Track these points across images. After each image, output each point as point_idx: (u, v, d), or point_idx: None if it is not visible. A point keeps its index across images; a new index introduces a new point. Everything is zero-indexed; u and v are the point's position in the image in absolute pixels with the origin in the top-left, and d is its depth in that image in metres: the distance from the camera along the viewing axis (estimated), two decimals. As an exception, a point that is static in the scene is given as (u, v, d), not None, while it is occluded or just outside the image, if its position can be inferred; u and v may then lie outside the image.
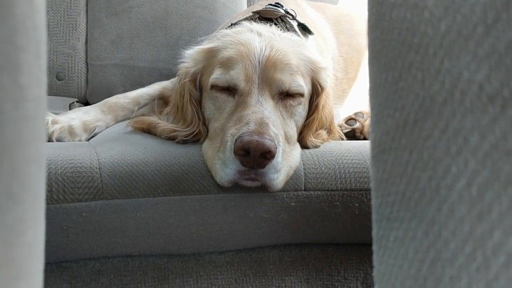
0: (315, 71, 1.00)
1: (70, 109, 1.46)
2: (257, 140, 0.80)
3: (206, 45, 1.04)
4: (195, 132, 0.97)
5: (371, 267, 0.39)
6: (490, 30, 0.26)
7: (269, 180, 0.84)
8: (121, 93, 1.25)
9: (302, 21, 1.17)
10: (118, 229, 0.86)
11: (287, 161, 0.89)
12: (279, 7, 1.17)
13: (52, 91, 1.57)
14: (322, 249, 1.01)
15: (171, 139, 0.98)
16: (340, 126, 1.14)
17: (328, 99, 1.03)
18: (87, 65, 1.62)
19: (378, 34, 0.36)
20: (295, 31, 1.12)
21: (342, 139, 1.09)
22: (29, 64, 0.30)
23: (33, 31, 0.31)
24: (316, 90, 1.01)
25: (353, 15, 1.56)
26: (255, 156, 0.80)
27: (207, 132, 0.97)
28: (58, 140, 1.05)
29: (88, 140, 1.09)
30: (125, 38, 1.60)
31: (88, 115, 1.13)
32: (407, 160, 0.32)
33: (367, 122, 1.16)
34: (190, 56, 1.02)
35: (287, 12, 1.16)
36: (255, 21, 1.10)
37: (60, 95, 1.58)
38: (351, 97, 1.40)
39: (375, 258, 0.37)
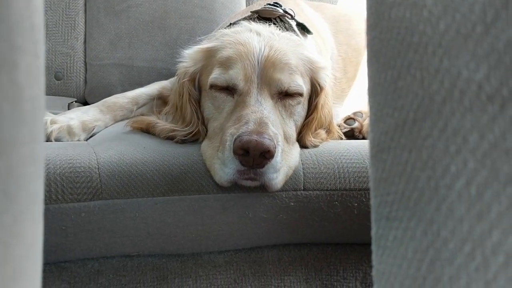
0: (314, 70, 1.00)
1: (68, 109, 1.46)
2: (256, 140, 0.80)
3: (205, 44, 1.04)
4: (194, 132, 0.97)
5: (370, 266, 0.39)
6: (489, 29, 0.26)
7: (268, 179, 0.84)
8: (120, 92, 1.25)
9: (300, 21, 1.17)
10: (117, 229, 0.86)
11: (286, 160, 0.88)
12: (277, 6, 1.17)
13: (51, 91, 1.57)
14: (321, 249, 1.01)
15: (170, 138, 0.98)
16: (339, 126, 1.14)
17: (327, 99, 1.03)
18: (85, 64, 1.62)
19: (377, 34, 0.36)
20: (294, 30, 1.12)
21: (341, 139, 1.09)
22: (27, 64, 0.30)
23: (31, 31, 0.31)
24: (315, 90, 1.01)
25: (351, 14, 1.56)
26: (254, 155, 0.80)
27: (206, 131, 0.97)
28: (57, 140, 1.05)
29: (87, 140, 1.09)
30: (123, 37, 1.60)
31: (87, 115, 1.13)
32: (406, 159, 0.32)
33: (366, 122, 1.16)
34: (189, 55, 1.02)
35: (286, 12, 1.16)
36: (254, 20, 1.10)
37: (59, 95, 1.58)
38: (350, 97, 1.40)
39: (374, 257, 0.37)
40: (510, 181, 0.25)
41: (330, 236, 0.98)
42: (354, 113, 1.20)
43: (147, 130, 1.03)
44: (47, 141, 1.04)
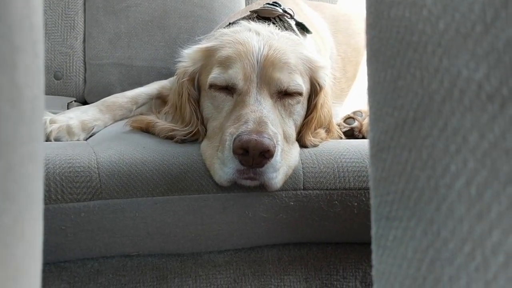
0: (313, 70, 1.00)
1: (68, 108, 1.46)
2: (256, 139, 0.80)
3: (204, 44, 1.04)
4: (194, 132, 0.97)
5: (370, 266, 0.38)
6: (489, 28, 0.26)
7: (268, 179, 0.84)
8: (119, 92, 1.25)
9: (300, 20, 1.17)
10: (117, 229, 0.86)
11: (286, 160, 0.88)
12: (277, 6, 1.17)
13: (50, 91, 1.57)
14: (321, 248, 1.01)
15: (170, 138, 0.98)
16: (339, 125, 1.14)
17: (326, 98, 1.03)
18: (85, 64, 1.61)
19: (376, 33, 0.36)
20: (293, 30, 1.11)
21: (341, 138, 1.09)
22: (26, 64, 0.30)
23: (30, 30, 0.31)
24: (314, 89, 1.01)
25: (351, 14, 1.56)
26: (254, 155, 0.80)
27: (206, 131, 0.97)
28: (56, 139, 1.05)
29: (86, 139, 1.09)
30: (123, 37, 1.60)
31: (86, 114, 1.13)
32: (406, 159, 0.32)
33: (366, 121, 1.16)
34: (188, 55, 1.02)
35: (285, 11, 1.16)
36: (253, 20, 1.10)
37: (58, 95, 1.58)
38: (349, 96, 1.40)
39: (374, 257, 0.37)
40: (510, 181, 0.25)
41: (330, 235, 0.98)
42: (354, 113, 1.20)
43: (146, 130, 1.03)
44: (46, 140, 1.04)
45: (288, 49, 0.96)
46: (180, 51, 1.05)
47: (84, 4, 1.64)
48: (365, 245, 1.01)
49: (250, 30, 0.99)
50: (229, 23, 1.13)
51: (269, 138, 0.81)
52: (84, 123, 1.10)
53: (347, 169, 0.94)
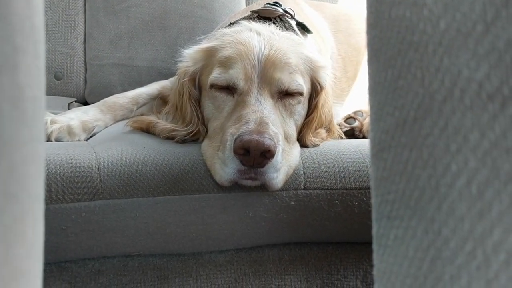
0: (314, 70, 1.00)
1: (69, 108, 1.46)
2: (256, 139, 0.80)
3: (205, 44, 1.04)
4: (194, 132, 0.97)
5: (371, 265, 0.39)
6: (489, 28, 0.26)
7: (268, 179, 0.84)
8: (120, 92, 1.25)
9: (300, 20, 1.17)
10: (118, 229, 0.86)
11: (287, 160, 0.88)
12: (277, 6, 1.17)
13: (51, 91, 1.57)
14: (321, 248, 1.01)
15: (170, 138, 0.98)
16: (339, 125, 1.14)
17: (327, 98, 1.03)
18: (85, 64, 1.62)
19: (377, 33, 0.36)
20: (294, 30, 1.11)
21: (342, 138, 1.09)
22: (28, 64, 0.30)
23: (31, 31, 0.31)
24: (315, 89, 1.01)
25: (351, 14, 1.56)
26: (255, 155, 0.80)
27: (206, 131, 0.97)
28: (57, 140, 1.05)
29: (87, 140, 1.09)
30: (123, 37, 1.60)
31: (87, 114, 1.13)
32: (406, 158, 0.32)
33: (366, 121, 1.16)
34: (189, 55, 1.02)
35: (286, 11, 1.16)
36: (253, 20, 1.10)
37: (59, 95, 1.58)
38: (350, 96, 1.40)
39: (375, 256, 0.37)
40: (511, 179, 0.25)
41: (330, 235, 0.98)
42: (355, 112, 1.20)
43: (147, 130, 1.03)
44: (47, 141, 1.04)
45: (289, 49, 0.96)
46: (181, 51, 1.05)
47: (85, 4, 1.64)
48: (366, 245, 1.01)
49: (251, 30, 0.99)
50: (230, 23, 1.13)
51: (270, 138, 0.81)
52: (85, 123, 1.11)
53: (348, 169, 0.94)
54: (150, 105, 1.21)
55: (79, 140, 1.08)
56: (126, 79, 1.58)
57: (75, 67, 1.61)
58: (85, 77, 1.61)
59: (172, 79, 1.22)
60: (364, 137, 1.15)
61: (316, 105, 1.00)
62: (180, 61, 1.03)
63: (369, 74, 0.38)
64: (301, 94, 0.96)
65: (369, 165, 0.94)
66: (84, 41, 1.62)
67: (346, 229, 0.95)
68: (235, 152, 0.81)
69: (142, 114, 1.15)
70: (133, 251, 0.91)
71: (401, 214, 0.33)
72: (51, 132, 1.05)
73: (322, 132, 1.03)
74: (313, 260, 1.00)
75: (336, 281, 1.00)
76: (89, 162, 0.86)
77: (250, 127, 0.83)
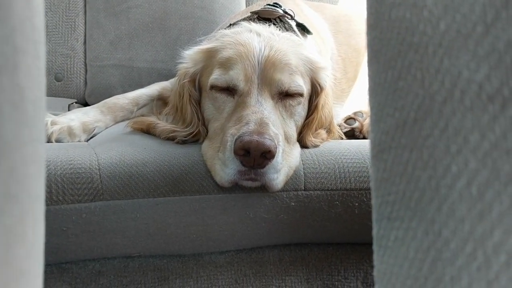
0: (314, 71, 1.00)
1: (69, 110, 1.46)
2: (257, 140, 0.80)
3: (205, 45, 1.04)
4: (195, 132, 0.97)
5: (371, 266, 0.39)
6: (489, 29, 0.26)
7: (269, 180, 0.84)
8: (120, 93, 1.25)
9: (300, 21, 1.17)
10: (118, 230, 0.86)
11: (287, 161, 0.88)
12: (277, 7, 1.17)
13: (51, 92, 1.57)
14: (322, 249, 1.01)
15: (171, 139, 0.98)
16: (340, 126, 1.14)
17: (327, 99, 1.03)
18: (86, 66, 1.62)
19: (377, 34, 0.36)
20: (294, 31, 1.12)
21: (342, 139, 1.09)
22: (28, 65, 0.30)
23: (31, 32, 0.31)
24: (315, 90, 1.01)
25: (351, 15, 1.56)
26: (255, 156, 0.80)
27: (207, 132, 0.97)
28: (58, 141, 1.05)
29: (87, 141, 1.09)
30: (124, 38, 1.60)
31: (87, 116, 1.13)
32: (407, 159, 0.32)
33: (367, 122, 1.16)
34: (189, 56, 1.02)
35: (286, 12, 1.16)
36: (253, 21, 1.10)
37: (59, 96, 1.58)
38: (350, 97, 1.40)
39: (376, 257, 0.37)
40: (511, 180, 0.25)
41: (331, 236, 0.97)
42: (355, 113, 1.20)
43: (147, 131, 1.03)
44: (47, 142, 1.04)
45: (289, 50, 0.96)
46: (181, 52, 1.05)
47: (85, 5, 1.64)
48: (366, 246, 1.01)
49: (251, 31, 0.99)
50: (230, 24, 1.13)
51: (270, 139, 0.81)
52: (85, 124, 1.11)
53: (348, 170, 0.94)
54: (150, 106, 1.21)
55: (79, 141, 1.08)
56: (126, 80, 1.58)
57: (75, 68, 1.61)
58: (86, 78, 1.61)
59: (172, 80, 1.22)
60: (364, 138, 1.15)
61: (316, 106, 1.00)
62: (180, 62, 1.03)
63: (369, 75, 0.38)
64: (301, 95, 0.96)
65: (369, 166, 0.94)
66: (84, 42, 1.62)
67: (346, 230, 0.95)
68: (236, 153, 0.81)
69: (142, 115, 1.15)
70: (134, 252, 0.91)
71: (402, 215, 0.33)
72: (52, 133, 1.05)
73: (322, 133, 1.03)
74: (313, 261, 1.00)
75: (336, 282, 1.00)
76: (89, 163, 0.86)
77: (250, 128, 0.83)
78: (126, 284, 0.92)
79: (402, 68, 0.32)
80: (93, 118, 1.13)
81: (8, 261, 0.29)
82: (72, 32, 1.62)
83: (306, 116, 1.01)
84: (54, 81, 1.59)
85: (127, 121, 1.09)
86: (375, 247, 0.38)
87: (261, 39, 0.96)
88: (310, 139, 0.99)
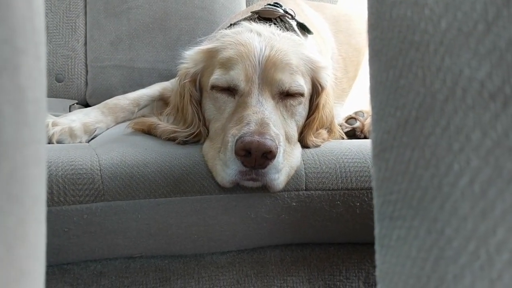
0: (315, 70, 1.00)
1: (70, 111, 1.46)
2: (258, 141, 0.80)
3: (205, 45, 1.04)
4: (196, 133, 0.97)
5: (373, 266, 0.38)
6: (491, 27, 0.26)
7: (270, 180, 0.84)
8: (121, 94, 1.25)
9: (301, 21, 1.17)
10: (119, 231, 0.86)
11: (288, 161, 0.88)
12: (278, 7, 1.17)
13: (52, 93, 1.57)
14: (323, 249, 1.01)
15: (172, 140, 0.98)
16: (341, 126, 1.14)
17: (328, 99, 1.03)
18: (86, 66, 1.62)
19: (378, 33, 0.36)
20: (294, 30, 1.11)
21: (343, 139, 1.09)
22: (29, 66, 0.30)
23: (32, 33, 0.31)
24: (316, 90, 1.01)
25: (352, 14, 1.56)
26: (256, 156, 0.80)
27: (208, 132, 0.97)
28: (59, 142, 1.05)
29: (88, 141, 1.09)
30: (124, 39, 1.60)
31: (88, 116, 1.13)
32: (409, 158, 0.32)
33: (368, 121, 1.16)
34: (190, 56, 1.02)
35: (286, 12, 1.16)
36: (254, 21, 1.09)
37: (60, 97, 1.58)
38: (351, 96, 1.40)
39: (378, 257, 0.37)
40: (513, 179, 0.25)
41: (332, 236, 0.97)
42: (356, 113, 1.20)
43: (148, 132, 1.03)
44: (49, 143, 1.04)
45: (289, 50, 0.96)
46: (182, 52, 1.05)
47: (85, 6, 1.64)
48: (368, 245, 1.01)
49: (251, 31, 0.99)
50: (230, 24, 1.13)
51: (271, 139, 0.81)
52: (86, 125, 1.11)
53: (349, 169, 0.94)
54: (151, 107, 1.21)
55: (80, 142, 1.08)
56: (127, 80, 1.58)
57: (76, 69, 1.61)
58: (86, 79, 1.61)
59: (173, 80, 1.22)
60: (365, 138, 1.15)
61: (317, 106, 1.00)
62: (181, 63, 1.03)
63: (371, 74, 0.38)
64: (302, 94, 0.96)
65: (370, 166, 0.94)
66: (85, 43, 1.63)
67: (348, 230, 0.95)
68: (237, 153, 0.81)
69: (143, 116, 1.15)
70: (135, 253, 0.91)
71: (404, 214, 0.33)
72: (53, 134, 1.04)
73: (324, 132, 1.03)
74: (315, 261, 1.00)
75: (338, 282, 1.00)
76: (90, 164, 0.86)
77: (251, 128, 0.83)
78: (127, 284, 0.92)
79: (404, 66, 0.32)
80: (94, 119, 1.13)
81: (9, 262, 0.29)
82: (73, 33, 1.62)
83: (307, 116, 1.00)
84: (55, 82, 1.59)
85: (128, 122, 1.09)
86: (377, 247, 0.37)
87: (261, 39, 0.96)
88: (311, 139, 0.99)
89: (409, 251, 0.32)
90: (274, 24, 1.10)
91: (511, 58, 0.25)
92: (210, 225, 0.89)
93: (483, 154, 0.27)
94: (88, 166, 0.85)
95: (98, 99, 1.40)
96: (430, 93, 0.30)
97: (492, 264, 0.26)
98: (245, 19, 1.13)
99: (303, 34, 1.16)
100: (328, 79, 1.02)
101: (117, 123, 1.17)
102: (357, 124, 1.17)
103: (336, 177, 0.93)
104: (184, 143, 0.97)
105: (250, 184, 0.86)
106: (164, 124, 1.03)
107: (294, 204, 0.90)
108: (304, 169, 0.93)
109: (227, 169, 0.84)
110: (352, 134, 1.16)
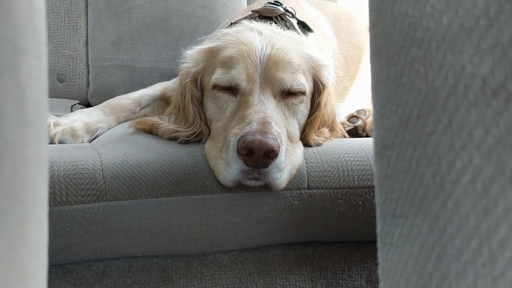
0: (316, 69, 1.00)
1: (71, 111, 1.46)
2: (260, 140, 0.80)
3: (206, 45, 1.03)
4: (197, 132, 0.97)
5: (376, 264, 0.38)
6: (493, 23, 0.26)
7: (272, 179, 0.84)
8: (122, 94, 1.25)
9: (301, 19, 1.17)
10: (122, 230, 0.86)
11: (290, 160, 0.88)
12: (278, 5, 1.16)
13: (54, 93, 1.57)
14: (326, 247, 1.01)
15: (173, 139, 0.98)
16: (342, 124, 1.14)
17: (329, 97, 1.02)
18: (88, 66, 1.62)
19: (379, 30, 0.35)
20: (295, 29, 1.11)
21: (345, 137, 1.09)
22: (30, 66, 0.30)
23: (33, 32, 0.31)
24: (317, 88, 1.01)
25: (352, 12, 1.56)
26: (259, 155, 0.80)
27: (209, 132, 0.97)
28: (60, 142, 1.05)
29: (90, 141, 1.09)
30: (125, 39, 1.60)
31: (90, 116, 1.13)
32: (411, 156, 0.32)
33: (370, 120, 1.16)
34: (191, 56, 1.02)
35: (287, 10, 1.15)
36: (255, 19, 1.09)
37: (62, 97, 1.58)
38: (352, 95, 1.40)
39: (380, 255, 0.37)
40: (516, 175, 0.25)
41: (334, 234, 0.97)
42: (358, 111, 1.20)
43: (150, 131, 1.03)
44: (50, 143, 1.04)
45: (290, 48, 0.96)
46: (183, 52, 1.05)
47: (87, 6, 1.65)
48: (370, 244, 1.00)
49: (252, 29, 0.99)
50: (231, 23, 1.13)
51: (273, 138, 0.81)
52: (88, 125, 1.11)
53: (352, 168, 0.94)
54: (152, 106, 1.22)
55: (82, 142, 1.08)
56: (128, 80, 1.58)
57: (77, 69, 1.61)
58: (88, 79, 1.61)
59: (174, 80, 1.22)
60: (367, 136, 1.15)
61: (318, 104, 1.00)
62: (182, 62, 1.03)
63: (372, 71, 0.38)
64: (303, 93, 0.95)
65: (373, 164, 0.93)
66: (87, 43, 1.63)
67: (350, 228, 0.95)
68: (239, 152, 0.81)
69: (145, 116, 1.15)
70: (138, 252, 0.91)
71: (406, 212, 0.33)
72: (55, 134, 1.05)
73: (325, 131, 1.03)
74: (317, 259, 1.00)
75: (341, 281, 1.00)
76: (92, 164, 0.86)
77: (253, 127, 0.82)
78: (130, 284, 0.92)
79: (405, 63, 0.32)
80: (96, 119, 1.13)
81: (12, 261, 0.29)
82: (74, 33, 1.62)
83: (309, 114, 1.00)
84: (57, 82, 1.59)
85: (129, 122, 1.09)
86: (379, 245, 0.37)
87: (262, 37, 0.96)
88: (313, 137, 0.99)
89: (411, 248, 0.32)
90: (275, 22, 1.10)
91: (513, 54, 0.25)
92: (212, 224, 0.89)
93: (485, 152, 0.26)
94: (90, 166, 0.86)
95: (100, 99, 1.40)
96: (432, 90, 0.30)
97: (494, 261, 0.25)
98: (245, 18, 1.13)
99: (304, 32, 1.16)
100: (329, 77, 1.02)
101: (119, 123, 1.17)
102: (359, 122, 1.17)
103: (338, 176, 0.93)
104: (186, 142, 0.97)
105: (252, 183, 0.86)
106: (165, 123, 1.03)
107: (296, 203, 0.90)
108: (306, 167, 0.92)
109: (229, 168, 0.84)
110: (354, 133, 1.16)
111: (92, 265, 0.91)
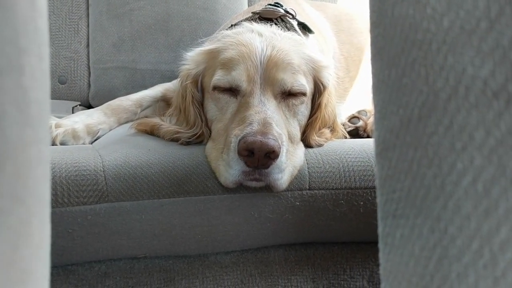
0: (317, 69, 1.00)
1: (73, 112, 1.47)
2: (261, 141, 0.80)
3: (207, 46, 1.04)
4: (198, 134, 0.97)
5: (377, 265, 0.38)
6: (493, 24, 0.26)
7: (273, 180, 0.84)
8: (123, 95, 1.26)
9: (302, 20, 1.17)
10: (123, 232, 0.86)
11: (291, 160, 0.88)
12: (279, 6, 1.17)
13: (55, 95, 1.58)
14: (327, 248, 1.01)
15: (174, 140, 0.98)
16: (343, 125, 1.14)
17: (330, 98, 1.02)
18: (89, 68, 1.62)
19: (380, 31, 0.35)
20: (296, 30, 1.11)
21: (346, 138, 1.09)
22: (32, 66, 0.30)
23: (35, 33, 0.31)
24: (318, 89, 1.01)
25: (353, 13, 1.56)
26: (259, 156, 0.80)
27: (210, 133, 0.97)
28: (62, 143, 1.05)
29: (91, 143, 1.10)
30: (126, 40, 1.60)
31: (91, 118, 1.13)
32: (411, 157, 0.32)
33: (371, 120, 1.16)
34: (191, 57, 1.02)
35: (287, 12, 1.16)
36: (255, 21, 1.09)
37: (63, 99, 1.58)
38: (353, 96, 1.40)
39: (381, 255, 0.37)
40: (517, 176, 0.25)
41: (336, 235, 0.97)
42: (359, 112, 1.20)
43: (151, 132, 1.03)
44: (52, 145, 1.05)
45: (291, 50, 0.96)
46: (184, 53, 1.05)
47: (88, 8, 1.65)
48: (371, 244, 1.00)
49: (252, 31, 0.99)
50: (232, 25, 1.13)
51: (274, 139, 0.81)
52: (89, 126, 1.11)
53: (353, 169, 0.94)
54: (153, 108, 1.22)
55: (83, 144, 1.09)
56: (129, 82, 1.58)
57: (79, 71, 1.62)
58: (89, 81, 1.62)
59: (175, 81, 1.22)
60: (368, 137, 1.15)
61: (319, 105, 1.00)
62: (183, 64, 1.03)
63: (373, 72, 0.38)
64: (304, 94, 0.95)
65: (374, 165, 0.93)
66: (88, 45, 1.63)
67: (351, 229, 0.95)
68: (240, 153, 0.81)
69: (146, 117, 1.15)
70: (139, 254, 0.91)
71: (407, 212, 0.33)
72: (56, 135, 1.05)
73: (326, 132, 1.03)
74: (319, 260, 1.00)
75: (342, 281, 1.00)
76: (94, 165, 0.86)
77: (254, 128, 0.83)
78: (132, 285, 0.92)
79: (406, 65, 0.32)
80: (97, 120, 1.13)
81: (14, 262, 0.29)
82: (75, 35, 1.63)
83: (310, 115, 1.00)
84: (58, 84, 1.60)
85: (131, 123, 1.09)
86: (380, 245, 0.37)
87: (263, 39, 0.96)
88: (314, 138, 0.99)
89: (412, 249, 0.32)
90: (275, 24, 1.10)
91: (514, 56, 0.25)
92: (213, 225, 0.89)
93: (486, 153, 0.26)
94: (92, 167, 0.86)
95: (101, 100, 1.41)
96: (433, 91, 0.30)
97: (495, 263, 0.25)
98: (246, 19, 1.13)
99: (304, 33, 1.16)
100: (330, 78, 1.02)
101: (120, 124, 1.17)
102: (360, 123, 1.17)
103: (339, 176, 0.93)
104: (187, 143, 0.97)
105: (253, 184, 0.86)
106: (167, 125, 1.03)
107: (298, 203, 0.90)
108: (307, 168, 0.92)
109: (230, 170, 0.84)
110: (355, 133, 1.16)
111: (94, 266, 0.91)
